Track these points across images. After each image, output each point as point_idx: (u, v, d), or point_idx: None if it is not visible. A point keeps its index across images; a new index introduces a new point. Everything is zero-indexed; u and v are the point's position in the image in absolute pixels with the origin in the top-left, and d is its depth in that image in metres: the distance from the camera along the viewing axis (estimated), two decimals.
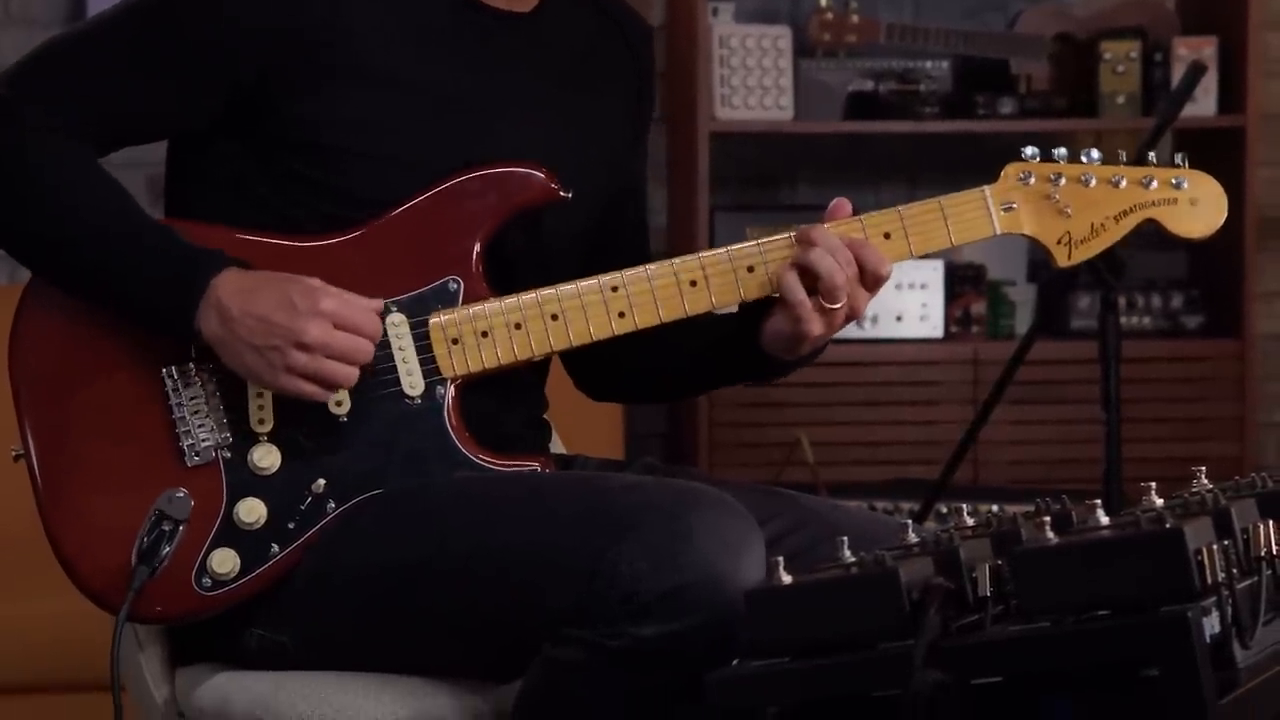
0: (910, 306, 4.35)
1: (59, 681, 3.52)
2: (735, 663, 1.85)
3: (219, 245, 2.11)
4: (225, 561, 2.09)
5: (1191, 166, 2.24)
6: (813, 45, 4.36)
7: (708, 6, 4.33)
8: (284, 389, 2.07)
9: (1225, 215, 2.21)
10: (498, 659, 2.09)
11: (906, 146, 4.62)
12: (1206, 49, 4.34)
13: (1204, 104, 4.33)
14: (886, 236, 2.16)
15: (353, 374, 2.07)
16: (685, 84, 4.37)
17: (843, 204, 2.16)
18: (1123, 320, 3.87)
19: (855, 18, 4.34)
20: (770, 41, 4.33)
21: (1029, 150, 2.18)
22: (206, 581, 2.09)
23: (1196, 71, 3.37)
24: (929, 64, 4.44)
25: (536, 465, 2.15)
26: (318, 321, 2.05)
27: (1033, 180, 2.18)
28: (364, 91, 2.11)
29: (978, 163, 4.58)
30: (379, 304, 2.10)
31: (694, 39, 4.29)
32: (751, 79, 4.33)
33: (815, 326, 2.13)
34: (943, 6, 4.63)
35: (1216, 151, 4.36)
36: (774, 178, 4.68)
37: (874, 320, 4.34)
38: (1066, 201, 2.17)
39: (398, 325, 2.12)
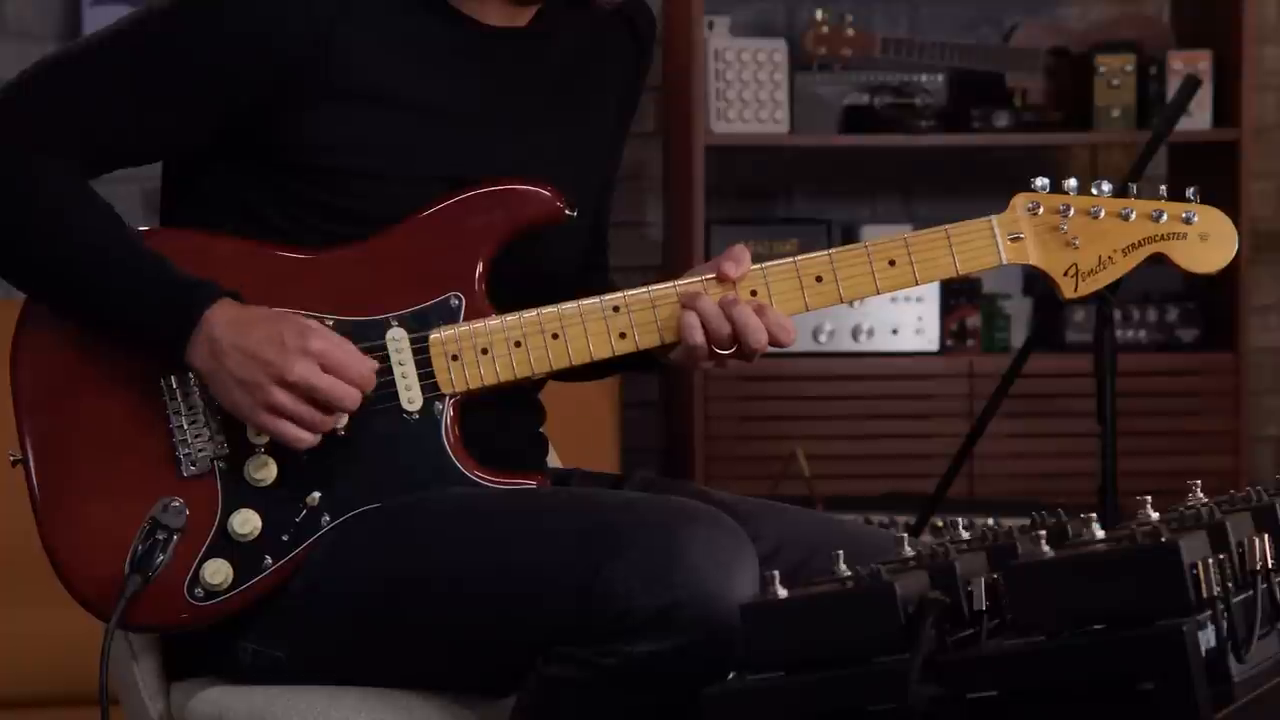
0: (906, 320, 4.35)
1: (52, 697, 3.52)
2: (731, 677, 1.85)
3: (221, 256, 2.11)
4: (218, 572, 2.09)
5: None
6: (808, 59, 4.36)
7: (703, 20, 4.33)
8: (263, 426, 2.06)
9: (1235, 251, 2.20)
10: (492, 674, 2.09)
11: (902, 159, 4.62)
12: (1201, 63, 4.35)
13: (1199, 118, 4.34)
14: (891, 264, 2.15)
15: (331, 420, 2.06)
16: (681, 97, 4.37)
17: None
18: (1118, 333, 3.87)
19: (851, 31, 4.34)
20: (766, 55, 4.33)
21: (1039, 181, 2.17)
22: (199, 592, 2.09)
23: (1191, 85, 3.38)
24: (924, 77, 4.44)
25: (533, 483, 2.14)
26: (304, 361, 2.04)
27: (1041, 211, 2.17)
28: (360, 110, 2.10)
29: (973, 176, 4.62)
30: (373, 364, 2.08)
31: (690, 53, 4.29)
32: (747, 92, 4.33)
33: (705, 364, 2.14)
34: (938, 20, 4.63)
35: (1211, 165, 4.36)
36: (770, 191, 4.68)
37: (870, 333, 4.34)
38: (1074, 233, 2.16)
39: (398, 340, 2.12)
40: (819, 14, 4.34)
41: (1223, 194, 4.26)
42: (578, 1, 2.20)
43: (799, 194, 4.68)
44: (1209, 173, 4.37)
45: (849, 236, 4.42)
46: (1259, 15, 4.49)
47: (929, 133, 4.35)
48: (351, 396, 2.06)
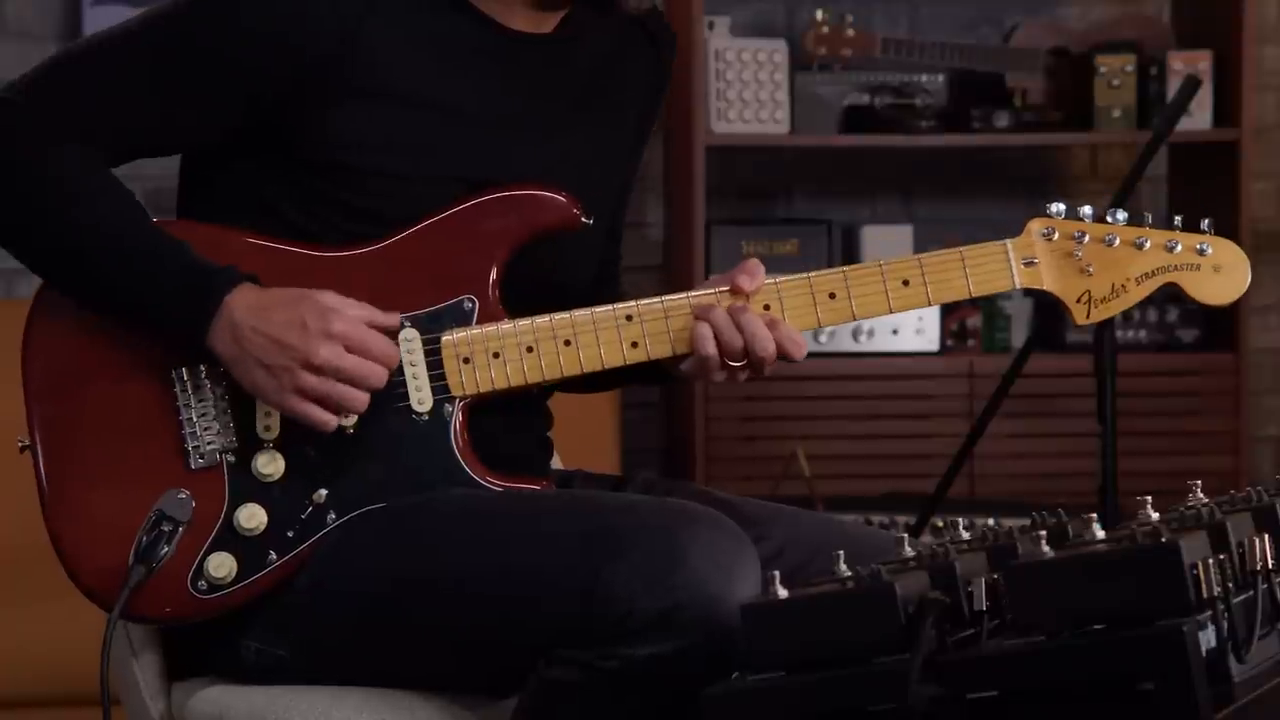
0: (906, 320, 4.35)
1: (52, 697, 3.51)
2: (733, 676, 1.85)
3: (235, 250, 2.11)
4: (222, 566, 2.09)
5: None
6: (809, 59, 4.36)
7: (703, 20, 4.33)
8: (291, 410, 2.07)
9: (1248, 283, 2.21)
10: (494, 675, 2.09)
11: (902, 160, 4.62)
12: (1201, 63, 4.35)
13: (1199, 118, 4.33)
14: (905, 284, 2.16)
15: (362, 399, 2.07)
16: (682, 97, 4.37)
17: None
18: (1118, 334, 3.87)
19: (851, 31, 4.34)
20: (766, 55, 4.34)
21: (1055, 207, 2.18)
22: (202, 585, 2.09)
23: (1191, 85, 3.38)
24: (925, 77, 4.44)
25: (538, 487, 2.15)
26: (329, 344, 2.04)
27: (1056, 236, 2.18)
28: (384, 110, 2.11)
29: (973, 176, 4.62)
30: (395, 320, 2.09)
31: (690, 53, 4.29)
32: (748, 92, 4.33)
33: (716, 377, 2.13)
34: (938, 20, 4.64)
35: (1211, 165, 4.36)
36: (770, 191, 4.68)
37: (870, 334, 4.34)
38: (1089, 260, 2.17)
39: (410, 341, 2.12)
40: (819, 14, 4.35)
41: (1223, 194, 4.27)
42: (603, 8, 2.20)
43: (799, 194, 4.68)
44: (1209, 173, 4.37)
45: (849, 237, 4.43)
46: (1259, 15, 4.49)
47: (929, 133, 4.35)
48: (377, 374, 2.07)
